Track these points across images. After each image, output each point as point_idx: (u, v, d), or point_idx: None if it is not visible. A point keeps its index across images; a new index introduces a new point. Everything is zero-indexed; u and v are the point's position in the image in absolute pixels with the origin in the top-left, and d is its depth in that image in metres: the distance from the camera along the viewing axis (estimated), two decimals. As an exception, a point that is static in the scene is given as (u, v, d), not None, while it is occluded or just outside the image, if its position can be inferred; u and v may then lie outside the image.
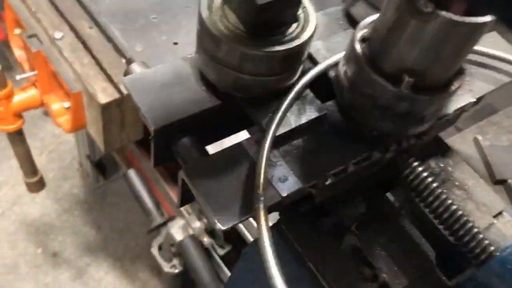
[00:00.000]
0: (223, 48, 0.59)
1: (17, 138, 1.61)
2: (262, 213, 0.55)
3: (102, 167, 2.52)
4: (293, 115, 0.65)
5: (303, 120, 0.65)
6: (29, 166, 1.75)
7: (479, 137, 1.18)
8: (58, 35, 1.34)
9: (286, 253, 0.72)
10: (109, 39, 1.34)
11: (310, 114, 0.66)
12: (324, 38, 0.74)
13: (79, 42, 1.34)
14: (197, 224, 1.78)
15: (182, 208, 1.78)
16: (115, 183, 2.62)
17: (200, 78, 0.67)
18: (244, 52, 0.58)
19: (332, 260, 0.70)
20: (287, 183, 0.60)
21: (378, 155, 0.67)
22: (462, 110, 0.75)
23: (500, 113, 1.26)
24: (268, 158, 0.60)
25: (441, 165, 0.81)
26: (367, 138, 0.67)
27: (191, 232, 1.78)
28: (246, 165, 0.61)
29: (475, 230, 0.69)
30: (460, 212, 0.70)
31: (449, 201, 0.71)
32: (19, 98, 1.48)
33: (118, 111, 1.28)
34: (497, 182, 1.11)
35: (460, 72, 0.63)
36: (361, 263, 0.71)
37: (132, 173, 1.89)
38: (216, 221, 0.55)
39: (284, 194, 0.59)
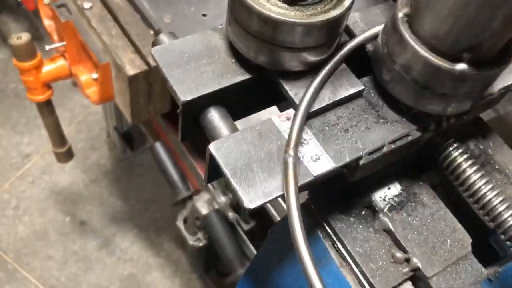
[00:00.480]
0: (256, 18, 0.56)
1: (46, 108, 1.61)
2: (292, 177, 0.52)
3: (130, 138, 2.53)
4: (328, 90, 0.62)
5: (338, 96, 0.62)
6: (57, 137, 1.76)
7: (520, 118, 1.12)
8: (86, 5, 1.33)
9: (314, 233, 0.70)
10: (137, 9, 1.32)
11: (345, 89, 0.63)
12: (362, 9, 0.70)
13: (108, 13, 1.32)
14: (222, 199, 1.77)
15: (207, 183, 1.77)
16: (142, 154, 2.65)
17: (230, 49, 0.64)
18: (278, 22, 0.55)
19: (362, 241, 0.68)
20: (319, 162, 0.57)
21: (416, 135, 0.63)
22: (507, 89, 0.70)
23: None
24: (300, 133, 0.57)
25: (481, 147, 0.77)
26: (405, 116, 0.64)
27: (216, 206, 1.78)
28: (276, 143, 0.58)
29: (517, 217, 0.66)
30: (501, 198, 0.66)
31: (490, 185, 0.67)
32: (48, 68, 1.47)
33: (146, 83, 1.27)
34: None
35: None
36: (393, 246, 0.68)
37: (158, 146, 1.89)
38: (243, 199, 0.53)
39: (316, 174, 0.56)
